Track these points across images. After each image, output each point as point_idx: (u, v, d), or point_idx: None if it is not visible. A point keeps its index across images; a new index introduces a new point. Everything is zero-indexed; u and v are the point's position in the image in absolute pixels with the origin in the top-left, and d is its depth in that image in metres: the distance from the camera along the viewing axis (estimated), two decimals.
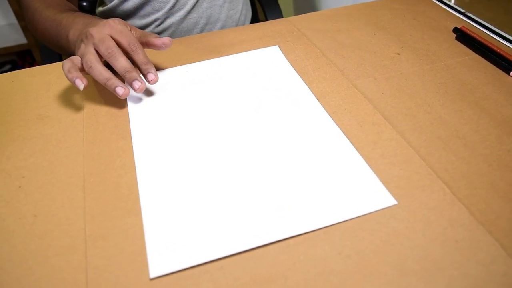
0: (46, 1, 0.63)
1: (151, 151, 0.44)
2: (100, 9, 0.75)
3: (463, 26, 0.60)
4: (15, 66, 1.91)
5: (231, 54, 0.59)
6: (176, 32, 0.76)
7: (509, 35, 0.59)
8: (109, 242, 0.35)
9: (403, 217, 0.35)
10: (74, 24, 0.55)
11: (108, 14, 0.74)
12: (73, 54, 0.52)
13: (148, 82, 0.49)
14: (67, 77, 0.47)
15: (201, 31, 0.77)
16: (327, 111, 0.47)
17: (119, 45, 0.49)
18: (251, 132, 0.45)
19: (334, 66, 0.55)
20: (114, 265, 0.33)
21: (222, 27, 0.79)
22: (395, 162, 0.40)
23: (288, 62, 0.56)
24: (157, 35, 0.52)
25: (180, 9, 0.74)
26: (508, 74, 0.52)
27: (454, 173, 0.39)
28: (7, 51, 1.75)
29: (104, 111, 0.50)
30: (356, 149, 0.42)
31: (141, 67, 0.49)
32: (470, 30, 0.59)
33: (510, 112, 0.46)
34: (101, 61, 0.49)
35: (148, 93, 0.52)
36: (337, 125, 0.45)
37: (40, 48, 0.85)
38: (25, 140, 0.47)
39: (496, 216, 0.35)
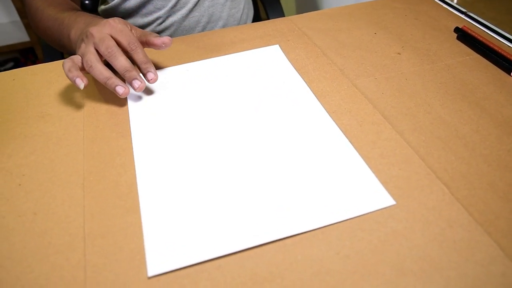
0: (48, 0, 0.63)
1: (150, 149, 0.44)
2: (102, 7, 0.75)
3: (464, 26, 0.60)
4: (17, 64, 1.91)
5: (232, 53, 0.59)
6: (178, 31, 0.76)
7: (511, 35, 0.59)
8: (108, 240, 0.35)
9: (402, 217, 0.35)
10: (75, 23, 0.55)
11: (110, 13, 0.74)
12: (74, 53, 0.52)
13: (148, 81, 0.49)
14: (67, 76, 0.48)
15: (203, 29, 0.77)
16: (326, 111, 0.47)
17: (119, 44, 0.49)
18: (251, 131, 0.45)
19: (335, 66, 0.55)
20: (112, 263, 0.33)
21: (224, 26, 0.79)
22: (394, 162, 0.40)
23: (288, 61, 0.56)
24: (157, 34, 0.52)
25: (182, 8, 0.74)
26: (509, 74, 0.52)
27: (454, 173, 0.39)
28: (10, 48, 1.75)
29: (104, 110, 0.50)
30: (356, 148, 0.42)
31: (140, 66, 0.49)
32: (471, 30, 0.58)
33: (510, 113, 0.46)
34: (101, 60, 0.49)
35: (148, 91, 0.52)
36: (337, 124, 0.45)
37: (42, 46, 0.86)
38: (26, 138, 0.47)
39: (495, 216, 0.35)
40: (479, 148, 0.41)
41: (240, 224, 0.35)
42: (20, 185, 0.41)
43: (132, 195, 0.39)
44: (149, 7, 0.72)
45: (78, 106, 0.51)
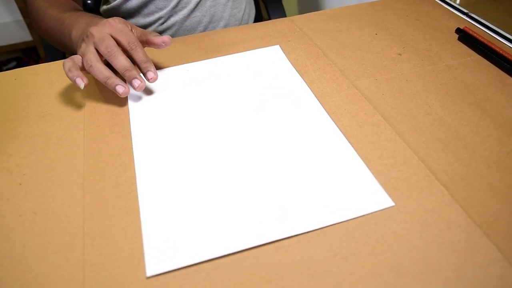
0: (50, 0, 0.63)
1: (150, 149, 0.44)
2: (104, 7, 0.76)
3: (465, 27, 0.59)
4: (20, 63, 1.92)
5: (233, 53, 0.59)
6: (179, 31, 0.76)
7: None
8: (107, 240, 0.35)
9: (401, 219, 0.35)
10: (76, 23, 0.55)
11: (112, 12, 0.74)
12: (76, 53, 0.52)
13: (148, 80, 0.49)
14: (67, 76, 0.48)
15: (205, 29, 0.78)
16: (326, 111, 0.47)
17: (119, 44, 0.49)
18: (250, 131, 0.45)
19: (335, 66, 0.55)
20: (111, 263, 0.33)
21: (225, 26, 0.79)
22: (393, 163, 0.40)
23: (289, 62, 0.56)
24: (157, 33, 0.52)
25: (183, 8, 0.74)
26: (510, 75, 0.51)
27: (453, 175, 0.39)
28: (13, 48, 1.76)
29: (104, 110, 0.50)
30: (355, 149, 0.42)
31: (140, 65, 0.49)
32: (472, 31, 0.58)
33: (511, 114, 0.46)
34: (102, 60, 0.49)
35: (149, 91, 0.53)
36: (337, 125, 0.45)
37: (44, 46, 0.86)
38: (27, 137, 0.47)
39: (494, 218, 0.35)
40: (479, 150, 0.41)
41: (238, 224, 0.35)
42: (20, 184, 0.41)
43: (131, 195, 0.39)
44: (151, 7, 0.72)
45: (79, 106, 0.51)
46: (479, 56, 0.55)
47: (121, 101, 0.51)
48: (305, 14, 0.68)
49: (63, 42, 0.60)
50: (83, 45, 0.49)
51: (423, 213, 0.36)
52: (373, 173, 0.39)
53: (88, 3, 0.94)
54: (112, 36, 0.49)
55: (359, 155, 0.41)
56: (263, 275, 0.32)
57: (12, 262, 0.34)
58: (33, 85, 0.56)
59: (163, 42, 0.50)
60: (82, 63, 0.49)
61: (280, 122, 0.46)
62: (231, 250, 0.34)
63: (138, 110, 0.49)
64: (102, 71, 0.48)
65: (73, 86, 0.54)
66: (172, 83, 0.54)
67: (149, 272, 0.32)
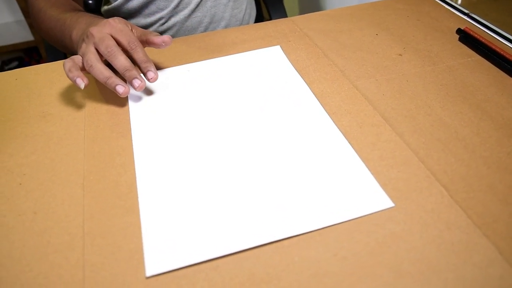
0: (50, 1, 0.63)
1: (150, 150, 0.44)
2: (105, 7, 0.76)
3: (466, 27, 0.59)
4: (22, 63, 1.92)
5: (233, 53, 0.59)
6: (180, 31, 0.76)
7: None
8: (107, 240, 0.35)
9: (400, 220, 0.35)
10: (77, 24, 0.55)
11: (113, 13, 0.74)
12: (76, 54, 0.52)
13: (148, 80, 0.49)
14: (68, 76, 0.48)
15: (205, 30, 0.78)
16: (327, 112, 0.47)
17: (119, 44, 0.49)
18: (250, 132, 0.45)
19: (335, 67, 0.55)
20: (111, 263, 0.34)
21: (226, 26, 0.79)
22: (393, 164, 0.40)
23: (289, 62, 0.56)
24: (157, 33, 0.52)
25: (184, 8, 0.74)
26: (511, 76, 0.51)
27: (453, 176, 0.39)
28: (15, 48, 1.76)
29: (105, 110, 0.50)
30: (355, 150, 0.42)
31: (140, 65, 0.49)
32: (473, 31, 0.58)
33: (511, 115, 0.46)
34: (102, 60, 0.49)
35: (149, 92, 0.53)
36: (337, 126, 0.45)
37: (45, 46, 0.86)
38: (27, 137, 0.47)
39: (494, 219, 0.35)
40: (479, 150, 0.41)
41: (238, 225, 0.35)
42: (20, 184, 0.41)
43: (131, 195, 0.39)
44: (152, 7, 0.73)
45: (79, 106, 0.51)
46: (480, 57, 0.55)
47: (122, 101, 0.51)
48: (305, 15, 0.68)
49: (63, 42, 0.60)
50: (83, 45, 0.50)
51: (422, 214, 0.36)
52: (373, 173, 0.39)
53: (90, 3, 0.94)
54: (112, 36, 0.49)
55: (359, 155, 0.41)
56: (262, 276, 0.32)
57: (12, 262, 0.34)
58: (34, 85, 0.56)
59: (163, 42, 0.51)
60: (83, 63, 0.49)
61: (280, 123, 0.46)
62: (231, 251, 0.34)
63: (139, 110, 0.50)
64: (102, 71, 0.48)
65: (74, 86, 0.55)
66: (173, 83, 0.54)
67: (149, 272, 0.32)
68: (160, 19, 0.74)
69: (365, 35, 0.61)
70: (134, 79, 0.48)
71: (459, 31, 0.60)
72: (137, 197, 0.39)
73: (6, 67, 1.88)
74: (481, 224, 0.34)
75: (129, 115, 0.49)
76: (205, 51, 0.60)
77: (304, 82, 0.52)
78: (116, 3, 0.72)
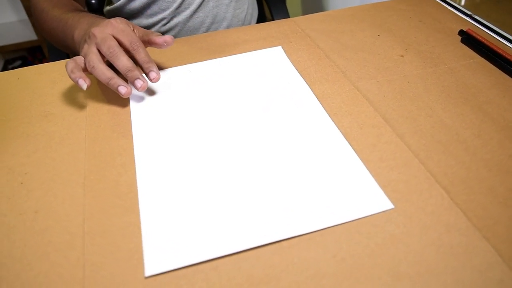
0: (53, 1, 0.64)
1: (151, 150, 0.44)
2: (108, 8, 0.76)
3: (468, 29, 0.59)
4: (25, 62, 1.93)
5: (235, 54, 0.59)
6: (182, 31, 0.77)
7: None
8: (107, 240, 0.35)
9: (399, 222, 0.35)
10: (79, 24, 0.55)
11: (115, 13, 0.74)
12: (78, 54, 0.53)
13: (150, 80, 0.50)
14: (70, 77, 0.48)
15: (207, 30, 0.78)
16: (327, 113, 0.47)
17: (121, 44, 0.49)
18: (251, 132, 0.45)
19: (337, 68, 0.55)
20: (111, 263, 0.34)
21: (228, 26, 0.79)
22: (393, 166, 0.40)
23: (290, 63, 0.56)
24: (159, 33, 0.52)
25: (186, 8, 0.74)
26: None
27: (453, 178, 0.39)
28: (18, 47, 1.77)
29: (106, 110, 0.50)
30: (355, 151, 0.42)
31: (143, 65, 0.50)
32: (476, 33, 0.58)
33: None
34: (104, 60, 0.49)
35: (150, 92, 0.53)
36: (337, 127, 0.45)
37: (48, 46, 0.86)
38: (29, 137, 0.47)
39: (494, 222, 0.35)
40: (480, 153, 0.41)
41: (237, 225, 0.36)
42: (22, 183, 0.41)
43: (131, 195, 0.39)
44: (154, 8, 0.73)
45: (81, 106, 0.51)
46: (482, 59, 0.55)
47: (123, 102, 0.51)
48: (307, 15, 0.68)
49: (65, 43, 0.60)
50: (85, 46, 0.50)
51: (422, 216, 0.35)
52: (373, 175, 0.39)
53: (92, 3, 0.95)
54: (114, 37, 0.49)
55: (359, 157, 0.41)
56: (261, 276, 0.32)
57: (12, 261, 0.34)
58: (36, 84, 0.56)
59: (165, 42, 0.51)
60: (85, 64, 0.49)
61: (281, 123, 0.46)
62: (230, 251, 0.34)
63: (140, 111, 0.50)
64: (104, 72, 0.48)
65: (76, 86, 0.55)
66: (174, 83, 0.54)
67: (148, 272, 0.33)
68: (162, 19, 0.74)
69: (367, 36, 0.61)
70: (136, 80, 0.48)
71: (461, 32, 0.60)
72: (137, 197, 0.39)
73: (10, 66, 1.89)
74: (481, 227, 0.34)
75: (130, 115, 0.49)
76: (206, 52, 0.60)
77: (305, 83, 0.52)
78: (118, 3, 0.72)
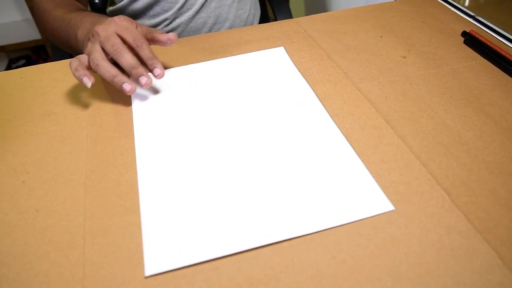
0: (55, 1, 0.64)
1: (152, 150, 0.44)
2: (111, 8, 0.76)
3: (471, 30, 0.59)
4: (29, 61, 1.94)
5: (237, 54, 0.59)
6: (184, 32, 0.77)
7: None
8: (107, 239, 0.35)
9: (400, 223, 0.35)
10: (82, 23, 0.56)
11: (118, 14, 0.74)
12: (82, 53, 0.53)
13: (155, 76, 0.50)
14: (74, 75, 0.48)
15: (210, 30, 0.78)
16: (329, 114, 0.47)
17: (124, 42, 0.49)
18: (252, 132, 0.45)
19: (339, 69, 0.55)
20: (111, 262, 0.34)
21: (230, 27, 0.79)
22: (394, 167, 0.40)
23: (292, 64, 0.56)
24: (162, 31, 0.52)
25: (189, 9, 0.74)
26: None
27: (455, 180, 0.39)
28: (22, 46, 1.78)
29: (108, 109, 0.50)
30: (356, 153, 0.42)
31: (147, 62, 0.50)
32: (478, 34, 0.58)
33: None
34: (108, 58, 0.49)
35: (152, 92, 0.53)
36: (339, 128, 0.45)
37: (51, 45, 0.87)
38: (31, 136, 0.47)
39: (495, 224, 0.35)
40: (481, 155, 0.41)
41: (238, 226, 0.36)
42: (23, 182, 0.42)
43: (132, 195, 0.39)
44: (157, 8, 0.73)
45: (83, 105, 0.52)
46: (485, 60, 0.55)
47: (125, 101, 0.51)
48: (310, 16, 0.68)
49: (69, 42, 0.60)
50: (89, 44, 0.50)
51: (423, 218, 0.35)
52: (374, 176, 0.39)
53: (96, 2, 0.95)
54: (117, 34, 0.49)
55: (360, 158, 0.41)
56: (261, 277, 0.32)
57: (13, 259, 0.35)
58: (39, 83, 0.56)
59: (169, 40, 0.51)
60: (89, 62, 0.49)
61: (282, 124, 0.46)
62: (230, 251, 0.34)
63: (142, 111, 0.50)
64: (108, 70, 0.48)
65: (78, 85, 0.55)
66: (176, 83, 0.54)
67: (148, 272, 0.33)
68: (164, 20, 0.74)
69: (370, 37, 0.61)
70: (140, 77, 0.48)
71: (464, 33, 0.60)
72: (138, 197, 0.39)
73: (14, 65, 1.90)
74: (482, 229, 0.34)
75: (132, 115, 0.49)
76: (208, 52, 0.60)
77: (307, 84, 0.52)
78: (121, 4, 0.72)
